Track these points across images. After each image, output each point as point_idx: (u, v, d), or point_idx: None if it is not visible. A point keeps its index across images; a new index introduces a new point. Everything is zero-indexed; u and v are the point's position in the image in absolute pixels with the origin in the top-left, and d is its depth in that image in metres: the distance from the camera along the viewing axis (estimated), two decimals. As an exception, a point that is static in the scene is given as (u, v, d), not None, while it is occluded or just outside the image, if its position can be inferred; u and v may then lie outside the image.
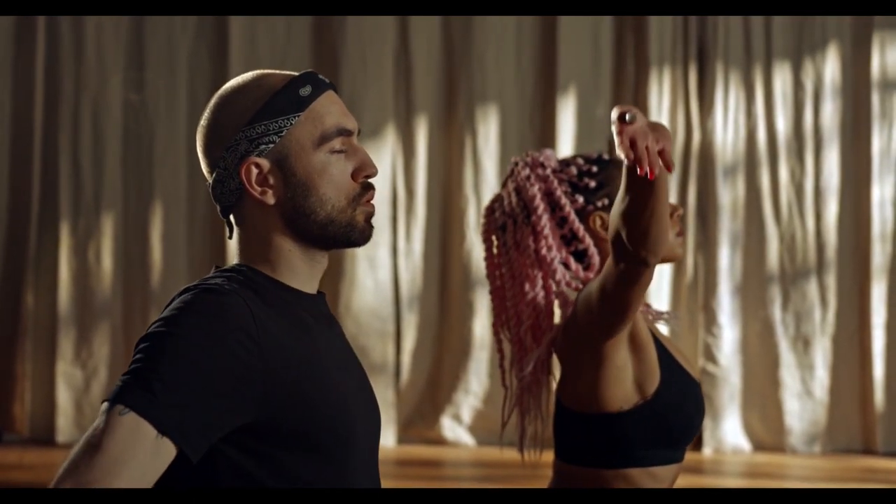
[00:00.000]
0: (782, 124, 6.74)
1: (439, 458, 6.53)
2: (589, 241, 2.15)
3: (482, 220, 2.25)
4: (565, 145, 6.69)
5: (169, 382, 1.47)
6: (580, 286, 2.14)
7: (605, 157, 2.22)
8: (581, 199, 2.16)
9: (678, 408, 2.07)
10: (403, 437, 6.80)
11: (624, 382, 2.05)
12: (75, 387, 6.67)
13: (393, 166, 6.79)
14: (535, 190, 2.16)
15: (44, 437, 6.69)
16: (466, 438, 6.77)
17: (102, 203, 6.74)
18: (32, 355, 6.70)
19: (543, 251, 2.14)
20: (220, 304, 1.54)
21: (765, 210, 6.72)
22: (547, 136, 6.77)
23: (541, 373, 2.22)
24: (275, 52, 6.71)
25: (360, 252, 6.71)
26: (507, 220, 2.19)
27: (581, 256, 2.18)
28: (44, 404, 6.71)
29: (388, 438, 6.62)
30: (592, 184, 2.16)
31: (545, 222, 2.15)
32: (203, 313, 1.53)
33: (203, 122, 1.68)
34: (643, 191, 1.81)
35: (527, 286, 2.17)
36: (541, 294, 2.16)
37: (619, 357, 2.04)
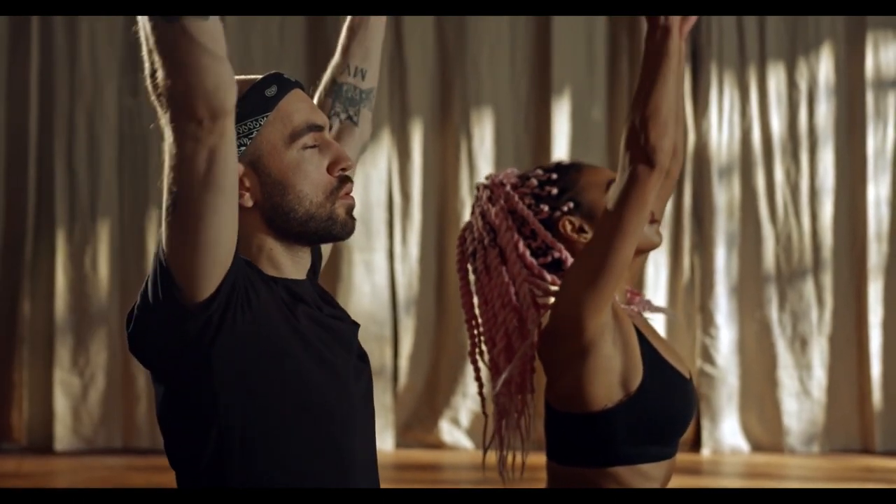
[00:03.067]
0: (777, 124, 6.75)
1: (438, 461, 6.53)
2: (562, 247, 2.15)
3: (456, 251, 2.26)
4: (560, 147, 6.69)
5: None
6: None
7: (564, 163, 2.23)
8: (546, 208, 2.16)
9: (663, 402, 2.06)
10: (402, 442, 6.79)
11: (608, 377, 2.04)
12: (73, 394, 6.66)
13: (388, 170, 6.80)
14: (498, 209, 2.17)
15: (41, 445, 6.68)
16: (465, 442, 6.77)
17: (98, 210, 6.74)
18: (29, 363, 6.70)
19: (514, 269, 2.15)
20: None
21: (760, 210, 6.72)
22: (542, 139, 6.77)
23: (516, 392, 2.22)
24: (269, 55, 6.71)
25: (357, 257, 6.71)
26: (477, 246, 2.21)
27: (557, 266, 2.18)
28: (41, 412, 6.70)
29: (386, 442, 6.61)
30: (554, 191, 2.17)
31: (511, 240, 2.15)
32: None
33: None
34: (659, 55, 1.98)
35: (498, 307, 2.18)
36: (511, 315, 2.16)
37: (605, 346, 2.03)
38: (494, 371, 2.22)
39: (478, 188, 2.24)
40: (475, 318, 2.25)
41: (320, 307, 1.69)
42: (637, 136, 1.96)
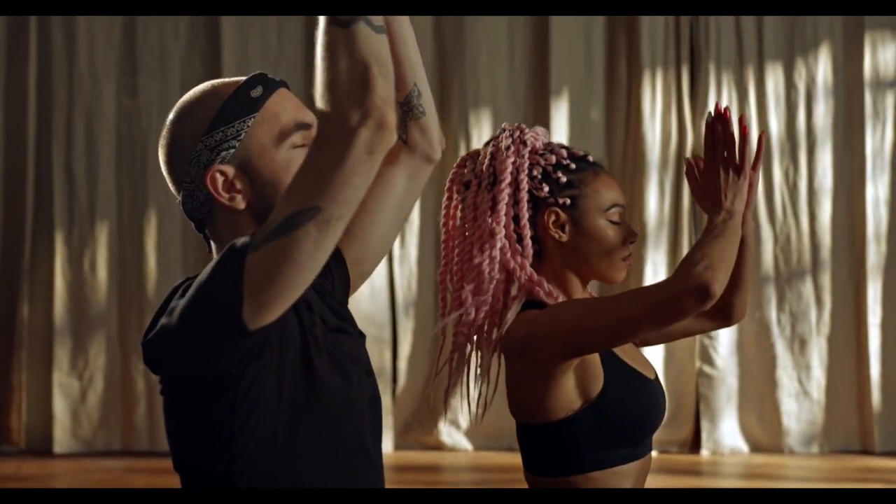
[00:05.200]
0: (775, 125, 6.75)
1: (437, 463, 6.53)
2: (528, 231, 2.14)
3: (452, 170, 2.23)
4: (559, 149, 6.69)
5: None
6: (516, 268, 2.12)
7: (590, 159, 2.20)
8: (546, 190, 2.14)
9: (625, 405, 2.05)
10: (401, 443, 6.79)
11: (565, 392, 2.03)
12: (72, 397, 6.66)
13: (387, 172, 6.78)
14: (509, 163, 2.14)
15: (40, 447, 6.67)
16: (464, 443, 6.77)
17: (97, 212, 6.73)
18: (28, 366, 6.69)
19: (493, 224, 2.13)
20: None
21: (759, 211, 6.72)
22: (540, 140, 6.77)
23: (473, 333, 2.19)
24: (267, 57, 6.70)
25: (355, 258, 6.70)
26: (473, 180, 2.18)
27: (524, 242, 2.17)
28: (40, 415, 6.70)
29: (385, 444, 6.61)
30: (563, 179, 2.14)
31: (505, 197, 2.13)
32: None
33: (162, 140, 1.67)
34: (721, 235, 1.98)
35: (475, 251, 2.16)
36: (486, 262, 2.14)
37: (564, 375, 2.03)
38: (458, 304, 2.19)
39: (503, 129, 2.21)
40: (452, 240, 2.22)
41: (325, 318, 1.67)
42: (693, 265, 1.93)
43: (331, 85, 1.43)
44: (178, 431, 1.61)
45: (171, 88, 6.73)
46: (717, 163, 2.06)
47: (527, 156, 2.15)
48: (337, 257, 1.77)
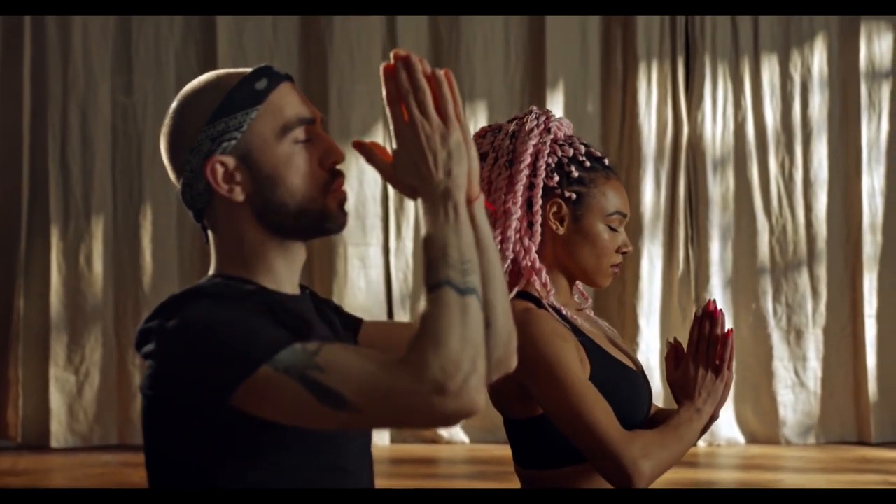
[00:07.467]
0: (771, 116, 6.75)
1: (434, 455, 6.53)
2: (539, 218, 2.13)
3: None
4: (555, 141, 6.69)
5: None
6: (521, 251, 2.11)
7: (606, 162, 2.20)
8: (556, 180, 2.14)
9: (610, 396, 2.05)
10: (397, 436, 6.79)
11: None
12: (68, 391, 6.66)
13: (382, 165, 6.78)
14: (530, 145, 2.14)
15: (37, 442, 6.67)
16: (461, 436, 6.77)
17: (92, 207, 6.73)
18: (24, 361, 6.69)
19: (509, 204, 2.13)
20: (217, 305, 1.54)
21: (755, 202, 6.72)
22: (536, 132, 6.77)
23: None
24: (262, 53, 6.70)
25: (352, 251, 6.70)
26: (491, 153, 2.18)
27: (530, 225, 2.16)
28: (37, 410, 6.69)
29: (382, 437, 6.61)
30: (575, 174, 2.14)
31: (522, 179, 2.13)
32: (215, 307, 1.53)
33: (165, 128, 1.65)
34: (692, 433, 2.07)
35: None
36: (498, 238, 2.13)
37: None
38: None
39: (531, 110, 2.20)
40: None
41: (323, 334, 1.65)
42: (644, 456, 1.98)
43: (439, 344, 1.45)
44: (154, 445, 1.59)
45: (167, 83, 6.72)
46: (699, 360, 2.12)
47: (548, 143, 2.15)
48: (349, 335, 1.76)
